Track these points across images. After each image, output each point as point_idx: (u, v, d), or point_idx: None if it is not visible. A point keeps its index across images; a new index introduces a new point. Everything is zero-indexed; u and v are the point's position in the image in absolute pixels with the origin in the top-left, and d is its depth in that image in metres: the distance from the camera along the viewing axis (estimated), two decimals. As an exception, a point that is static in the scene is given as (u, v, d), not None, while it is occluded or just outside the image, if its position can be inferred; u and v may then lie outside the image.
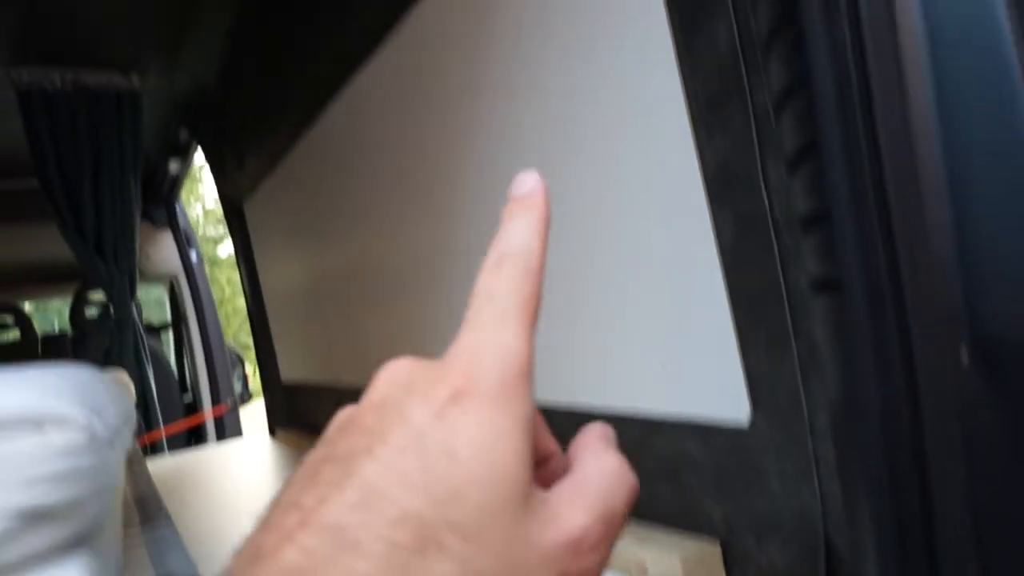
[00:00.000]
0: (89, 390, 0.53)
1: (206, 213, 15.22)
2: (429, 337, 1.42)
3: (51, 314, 7.22)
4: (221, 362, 3.97)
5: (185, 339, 4.11)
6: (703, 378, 0.76)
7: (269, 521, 0.23)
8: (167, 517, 1.09)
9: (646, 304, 0.81)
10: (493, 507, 0.22)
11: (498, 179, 1.04)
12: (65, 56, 2.32)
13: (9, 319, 3.69)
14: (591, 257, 0.87)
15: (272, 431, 2.60)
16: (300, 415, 2.42)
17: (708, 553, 0.76)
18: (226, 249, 15.41)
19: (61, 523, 0.42)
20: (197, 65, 2.33)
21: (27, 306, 7.12)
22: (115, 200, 2.48)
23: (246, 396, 4.76)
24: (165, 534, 0.97)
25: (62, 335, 3.96)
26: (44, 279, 3.95)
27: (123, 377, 1.72)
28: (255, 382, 5.42)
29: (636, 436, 0.87)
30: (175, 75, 2.43)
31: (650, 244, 0.78)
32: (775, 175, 0.61)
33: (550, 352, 0.98)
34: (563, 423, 0.96)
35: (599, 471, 0.26)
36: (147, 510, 1.16)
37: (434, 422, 0.23)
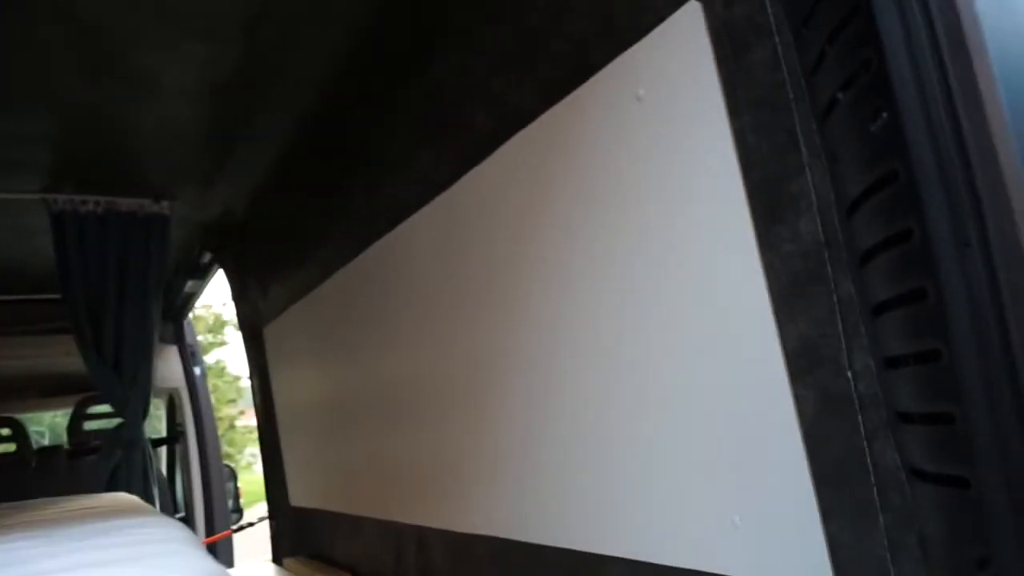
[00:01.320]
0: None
1: (197, 319, 15.19)
2: (435, 470, 1.44)
3: (36, 425, 7.07)
4: (217, 478, 3.89)
5: (179, 454, 4.04)
6: (776, 540, 0.78)
7: None
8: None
9: (721, 467, 0.84)
10: None
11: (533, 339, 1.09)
12: (100, 184, 2.40)
13: (6, 431, 3.63)
14: (666, 416, 0.91)
15: (278, 559, 2.54)
16: (309, 543, 2.37)
17: None
18: (213, 357, 15.29)
19: None
20: (229, 197, 2.41)
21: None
22: (136, 321, 2.50)
23: (237, 514, 4.63)
24: None
25: (56, 448, 3.89)
26: (43, 392, 3.92)
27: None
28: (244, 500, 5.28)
29: (703, 594, 0.88)
30: (205, 203, 2.51)
31: (728, 411, 0.82)
32: (859, 359, 0.66)
33: (618, 501, 1.00)
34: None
35: None
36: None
37: None
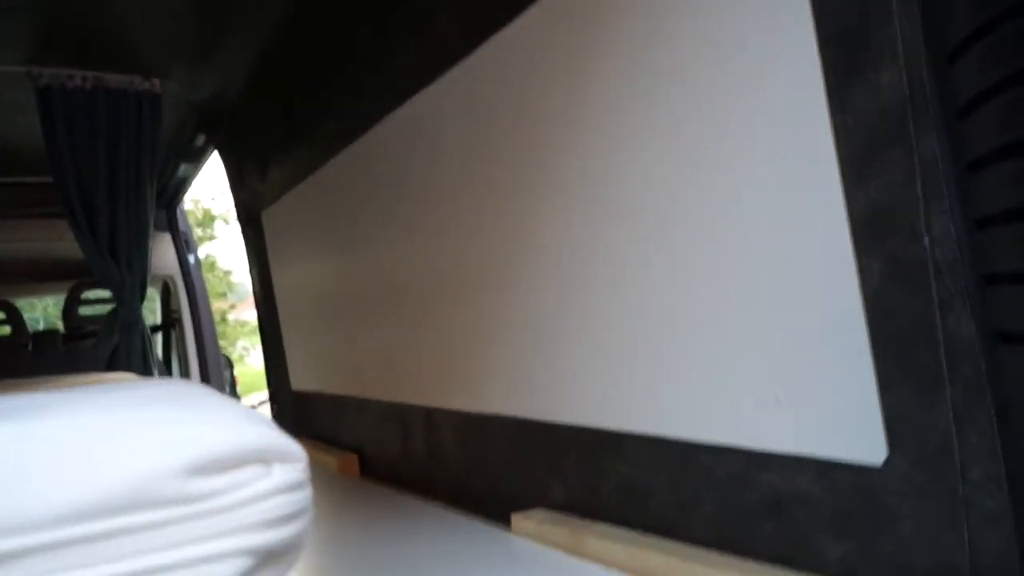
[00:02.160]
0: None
1: (187, 214, 15.04)
2: (443, 351, 1.42)
3: (29, 312, 7.06)
4: (215, 365, 3.91)
5: (175, 341, 4.05)
6: (825, 415, 0.76)
7: None
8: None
9: (763, 341, 0.81)
10: None
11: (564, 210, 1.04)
12: (87, 58, 2.29)
13: (0, 314, 3.60)
14: (703, 287, 0.87)
15: (281, 441, 2.56)
16: (312, 425, 2.39)
17: (822, 591, 0.77)
18: (203, 251, 15.22)
19: (285, 562, 0.42)
20: (223, 75, 2.30)
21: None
22: (130, 202, 2.43)
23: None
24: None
25: (52, 332, 3.87)
26: (38, 276, 3.87)
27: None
28: (242, 387, 5.35)
29: (737, 469, 0.87)
30: (198, 82, 2.40)
31: (780, 280, 0.78)
32: (939, 223, 0.62)
33: (643, 378, 0.98)
34: (659, 454, 0.96)
35: None
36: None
37: None
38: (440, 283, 1.45)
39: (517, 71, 1.14)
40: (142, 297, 2.55)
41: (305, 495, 0.43)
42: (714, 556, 0.88)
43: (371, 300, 1.80)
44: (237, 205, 2.63)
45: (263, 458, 0.41)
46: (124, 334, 2.56)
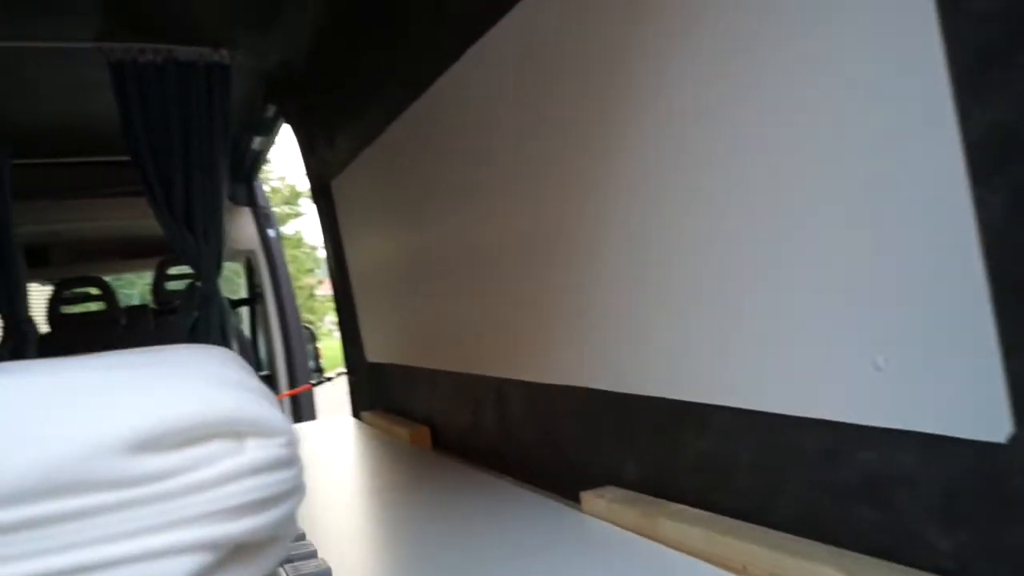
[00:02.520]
0: (261, 386, 0.43)
1: (273, 192, 15.50)
2: (519, 324, 1.33)
3: (126, 287, 7.41)
4: (297, 339, 3.97)
5: (260, 315, 4.13)
6: (935, 383, 0.64)
7: None
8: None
9: (860, 299, 0.69)
10: None
11: (636, 169, 0.93)
12: (155, 31, 2.30)
13: (95, 290, 3.75)
14: (799, 233, 0.76)
15: (356, 413, 2.56)
16: (385, 397, 2.36)
17: (930, 588, 0.65)
18: (291, 228, 15.67)
19: (263, 557, 0.34)
20: (288, 43, 2.27)
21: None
22: (204, 175, 2.45)
23: (318, 373, 4.79)
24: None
25: (144, 307, 4.01)
26: (129, 253, 4.01)
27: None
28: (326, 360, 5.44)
29: (830, 445, 0.76)
30: (265, 52, 2.38)
31: (879, 222, 0.66)
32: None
33: (726, 346, 0.87)
34: (741, 429, 0.86)
35: None
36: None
37: None
38: (509, 250, 1.37)
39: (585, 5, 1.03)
40: (218, 270, 2.58)
41: (287, 476, 0.35)
42: (802, 544, 0.78)
43: (440, 269, 1.73)
44: (309, 176, 2.61)
45: (234, 431, 0.33)
46: (202, 307, 2.60)
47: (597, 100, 1.01)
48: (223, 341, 2.58)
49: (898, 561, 0.69)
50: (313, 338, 4.91)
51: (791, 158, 0.74)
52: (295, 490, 0.35)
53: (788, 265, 0.76)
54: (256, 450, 0.33)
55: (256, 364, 4.13)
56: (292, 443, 0.34)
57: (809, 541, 0.78)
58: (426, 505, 1.30)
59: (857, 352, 0.70)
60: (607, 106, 0.99)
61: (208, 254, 2.51)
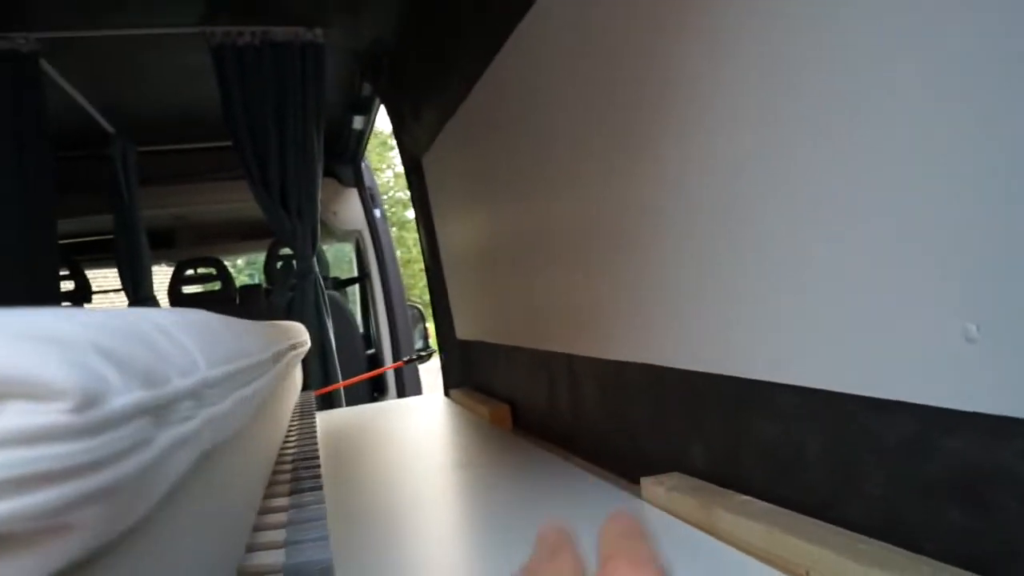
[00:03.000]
0: (127, 334, 0.35)
1: (396, 176, 15.86)
2: (607, 304, 1.23)
3: (250, 268, 7.82)
4: (401, 318, 4.00)
5: (369, 295, 4.19)
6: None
7: None
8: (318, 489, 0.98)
9: (951, 254, 0.56)
10: None
11: (725, 133, 0.82)
12: (252, 12, 2.34)
13: (212, 271, 3.92)
14: (878, 184, 0.63)
15: (446, 390, 2.54)
16: (473, 374, 2.32)
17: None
18: (410, 214, 16.01)
19: (44, 548, 0.25)
20: (377, 20, 2.26)
21: (239, 261, 7.76)
22: (298, 153, 2.48)
23: (427, 352, 4.83)
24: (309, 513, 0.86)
25: (257, 286, 4.17)
26: (242, 235, 4.17)
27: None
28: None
29: (911, 433, 0.63)
30: (357, 30, 2.38)
31: (968, 169, 0.53)
32: None
33: (797, 320, 0.75)
34: (812, 411, 0.74)
35: None
36: (300, 477, 1.06)
37: None
38: (582, 233, 1.28)
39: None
40: (314, 247, 2.61)
41: (65, 451, 0.26)
42: (876, 549, 0.65)
43: (519, 245, 1.66)
44: (402, 154, 2.60)
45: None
46: (298, 284, 2.64)
47: (663, 71, 0.90)
48: (317, 318, 2.62)
49: (984, 573, 0.56)
50: (422, 317, 4.95)
51: (871, 109, 0.61)
52: (82, 469, 0.27)
53: (867, 217, 0.63)
54: (17, 416, 0.25)
55: (366, 342, 4.20)
56: (76, 409, 0.26)
57: (884, 545, 0.65)
58: (489, 487, 1.24)
59: (945, 319, 0.57)
60: (679, 76, 0.88)
61: (302, 232, 2.54)
